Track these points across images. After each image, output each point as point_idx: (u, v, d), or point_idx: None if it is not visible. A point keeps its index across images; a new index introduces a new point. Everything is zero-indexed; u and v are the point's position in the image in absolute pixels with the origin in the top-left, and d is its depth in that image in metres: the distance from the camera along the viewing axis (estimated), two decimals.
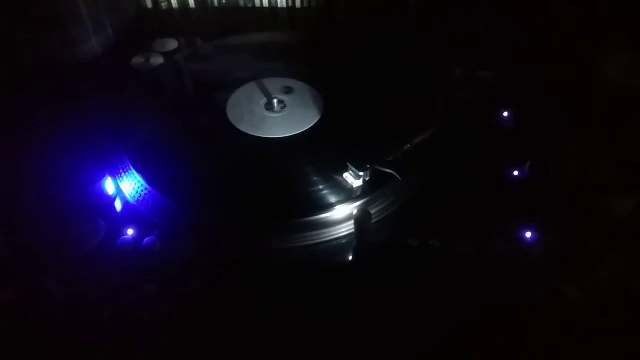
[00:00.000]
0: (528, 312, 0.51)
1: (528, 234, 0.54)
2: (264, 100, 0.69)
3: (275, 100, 0.68)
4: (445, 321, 0.50)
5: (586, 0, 0.74)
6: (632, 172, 0.62)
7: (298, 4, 0.92)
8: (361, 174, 0.56)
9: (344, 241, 0.55)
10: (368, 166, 0.56)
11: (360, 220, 0.52)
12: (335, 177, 0.58)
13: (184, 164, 0.62)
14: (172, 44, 0.82)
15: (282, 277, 0.52)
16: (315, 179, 0.58)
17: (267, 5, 0.92)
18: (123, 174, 0.60)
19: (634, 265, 0.54)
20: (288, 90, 0.71)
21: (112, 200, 0.58)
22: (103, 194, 0.58)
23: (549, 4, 0.77)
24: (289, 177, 0.60)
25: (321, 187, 0.57)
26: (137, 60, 0.79)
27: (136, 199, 0.58)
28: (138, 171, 0.59)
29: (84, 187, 0.58)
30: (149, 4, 0.92)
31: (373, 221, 0.54)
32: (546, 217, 0.55)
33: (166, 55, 0.80)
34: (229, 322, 0.51)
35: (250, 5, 0.92)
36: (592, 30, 0.74)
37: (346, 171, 0.57)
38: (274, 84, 0.72)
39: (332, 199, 0.56)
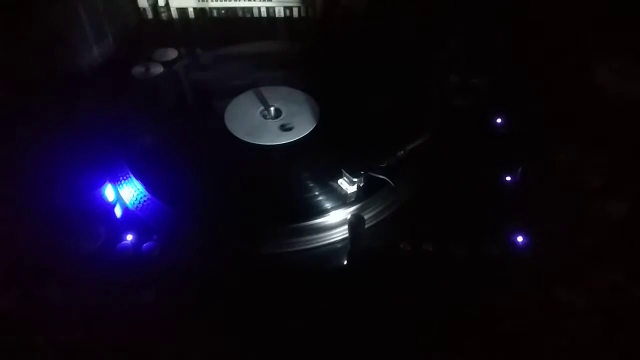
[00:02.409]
0: (521, 315, 0.51)
1: (520, 238, 0.54)
2: (261, 108, 0.70)
3: (272, 108, 0.70)
4: (439, 324, 0.50)
5: (580, 4, 0.75)
6: (625, 175, 0.63)
7: (295, 13, 0.93)
8: (355, 180, 0.57)
9: (338, 246, 0.56)
10: (362, 172, 0.57)
11: (354, 225, 0.53)
12: (330, 183, 0.59)
13: (182, 171, 0.63)
14: (172, 54, 0.83)
15: (277, 281, 0.53)
16: (310, 184, 0.59)
17: (265, 15, 0.94)
18: (123, 181, 0.61)
19: (627, 269, 0.54)
20: (285, 99, 0.71)
21: (111, 206, 0.59)
22: (103, 201, 0.58)
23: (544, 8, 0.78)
24: (285, 183, 0.61)
25: (316, 192, 0.58)
26: (138, 69, 0.80)
27: (135, 206, 0.59)
28: (137, 178, 0.60)
29: (84, 194, 0.59)
30: (150, 14, 0.93)
31: (366, 226, 0.55)
32: (538, 221, 0.56)
33: (166, 64, 0.81)
34: (226, 326, 0.51)
35: (248, 15, 0.94)
36: (585, 33, 0.74)
37: (341, 177, 0.59)
38: (271, 92, 0.73)
39: (327, 205, 0.57)
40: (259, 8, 0.93)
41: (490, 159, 0.63)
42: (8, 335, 0.50)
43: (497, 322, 0.51)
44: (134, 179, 0.60)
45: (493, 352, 0.50)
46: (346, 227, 0.55)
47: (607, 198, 0.60)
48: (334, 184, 0.59)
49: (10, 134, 0.68)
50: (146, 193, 0.59)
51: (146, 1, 0.92)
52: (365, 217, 0.55)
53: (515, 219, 0.56)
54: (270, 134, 0.66)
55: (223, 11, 0.93)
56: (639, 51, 0.67)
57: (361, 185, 0.58)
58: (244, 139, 0.65)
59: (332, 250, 0.55)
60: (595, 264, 0.55)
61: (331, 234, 0.56)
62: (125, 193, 0.60)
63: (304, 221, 0.56)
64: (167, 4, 0.92)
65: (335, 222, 0.56)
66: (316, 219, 0.56)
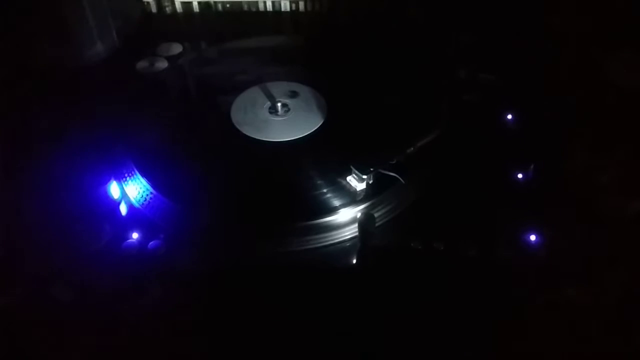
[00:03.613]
0: (531, 314, 0.50)
1: (532, 237, 0.53)
2: (267, 104, 0.69)
3: (279, 104, 0.69)
4: (449, 324, 0.50)
5: (592, 2, 0.74)
6: (637, 174, 0.62)
7: (302, 7, 0.92)
8: (364, 177, 0.56)
9: (347, 244, 0.55)
10: (371, 169, 0.56)
11: (364, 223, 0.52)
12: (339, 180, 0.58)
13: (188, 168, 0.62)
14: (177, 48, 0.83)
15: (286, 280, 0.52)
16: (318, 182, 0.59)
17: (271, 9, 0.93)
18: (128, 178, 0.60)
19: (637, 269, 0.54)
20: (293, 94, 0.71)
21: (117, 204, 0.58)
22: (108, 198, 0.58)
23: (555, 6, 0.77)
24: (292, 181, 0.60)
25: (325, 190, 0.58)
26: (142, 64, 0.79)
27: (141, 203, 0.58)
28: (143, 175, 0.59)
29: (89, 191, 0.58)
30: (154, 9, 0.92)
31: (377, 224, 0.54)
32: (550, 220, 0.55)
33: (170, 59, 0.80)
34: (233, 325, 0.51)
35: (254, 9, 0.93)
36: (596, 31, 0.73)
37: (349, 174, 0.58)
38: (277, 88, 0.72)
39: (336, 202, 0.56)
40: (264, 2, 0.92)
41: (501, 156, 0.62)
42: (11, 334, 0.50)
43: (505, 321, 0.50)
44: (139, 176, 0.60)
45: (504, 351, 0.49)
46: (356, 225, 0.54)
47: (619, 195, 0.60)
48: (343, 182, 0.58)
49: (14, 131, 0.67)
50: (152, 190, 0.58)
51: None
52: (376, 215, 0.54)
53: (527, 217, 0.55)
54: (278, 130, 0.65)
55: (228, 5, 0.92)
56: None
57: (371, 182, 0.57)
58: (251, 135, 0.64)
59: (342, 249, 0.54)
60: (608, 263, 0.54)
61: (340, 233, 0.55)
62: (131, 190, 0.60)
63: (313, 219, 0.55)
64: None
65: (345, 220, 0.55)
66: (325, 217, 0.55)
